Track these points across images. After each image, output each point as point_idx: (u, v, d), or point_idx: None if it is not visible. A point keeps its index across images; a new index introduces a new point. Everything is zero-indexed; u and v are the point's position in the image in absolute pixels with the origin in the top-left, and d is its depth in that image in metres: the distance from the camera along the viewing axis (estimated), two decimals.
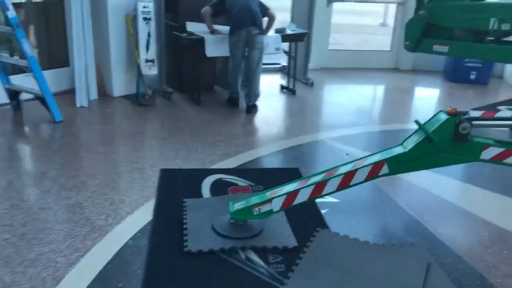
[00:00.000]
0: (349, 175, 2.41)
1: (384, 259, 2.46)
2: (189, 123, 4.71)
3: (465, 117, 2.31)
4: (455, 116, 2.31)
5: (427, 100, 6.36)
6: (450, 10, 3.23)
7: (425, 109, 5.75)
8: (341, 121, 4.92)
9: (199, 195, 3.10)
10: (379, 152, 2.49)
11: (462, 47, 3.25)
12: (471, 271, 2.46)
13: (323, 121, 5.15)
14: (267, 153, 4.04)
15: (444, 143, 2.34)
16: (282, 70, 6.92)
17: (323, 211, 2.95)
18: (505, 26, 2.89)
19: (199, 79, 5.27)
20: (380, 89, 6.86)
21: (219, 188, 3.21)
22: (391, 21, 13.20)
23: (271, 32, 5.21)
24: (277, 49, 5.30)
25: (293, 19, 6.42)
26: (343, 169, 2.46)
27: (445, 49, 3.29)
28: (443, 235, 2.78)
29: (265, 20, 4.98)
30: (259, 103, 5.18)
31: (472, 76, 6.55)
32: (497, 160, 2.37)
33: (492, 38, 3.17)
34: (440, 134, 2.33)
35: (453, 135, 2.32)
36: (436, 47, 3.34)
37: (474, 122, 2.32)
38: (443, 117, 2.33)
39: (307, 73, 6.37)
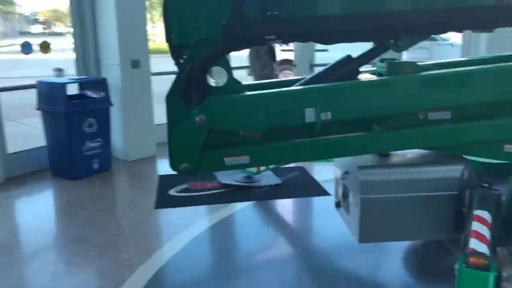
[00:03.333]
0: None
1: None
2: None
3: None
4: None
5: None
6: (240, 107, 2.25)
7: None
8: None
9: None
10: None
11: (272, 151, 2.36)
12: None
13: None
14: None
15: None
16: None
17: None
18: (326, 115, 2.25)
19: None
20: None
21: None
22: None
23: None
24: None
25: None
26: None
27: (245, 159, 2.33)
28: None
29: None
30: None
31: (96, 165, 5.27)
32: None
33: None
34: None
35: None
36: (230, 160, 2.33)
37: None
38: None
39: None
